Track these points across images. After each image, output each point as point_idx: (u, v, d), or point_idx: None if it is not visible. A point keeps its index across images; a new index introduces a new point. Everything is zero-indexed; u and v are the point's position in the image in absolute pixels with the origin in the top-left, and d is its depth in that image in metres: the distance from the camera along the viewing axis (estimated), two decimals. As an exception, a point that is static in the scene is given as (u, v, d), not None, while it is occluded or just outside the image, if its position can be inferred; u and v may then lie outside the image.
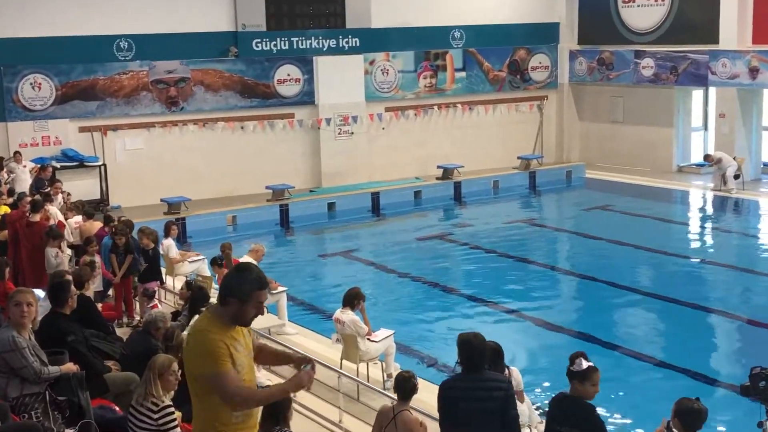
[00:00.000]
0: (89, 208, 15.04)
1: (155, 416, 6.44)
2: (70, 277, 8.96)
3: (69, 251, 13.82)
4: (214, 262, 12.76)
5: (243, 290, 4.58)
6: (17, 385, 6.81)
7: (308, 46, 23.15)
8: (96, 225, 13.94)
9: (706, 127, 25.32)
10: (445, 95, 25.15)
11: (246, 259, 11.81)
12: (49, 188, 16.79)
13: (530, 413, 8.33)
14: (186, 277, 13.73)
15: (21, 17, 20.22)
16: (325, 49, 23.26)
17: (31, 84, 20.47)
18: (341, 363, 10.41)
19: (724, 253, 17.56)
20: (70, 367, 7.15)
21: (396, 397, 7.31)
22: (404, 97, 24.61)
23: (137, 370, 7.46)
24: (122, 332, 10.81)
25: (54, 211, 14.40)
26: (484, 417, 5.91)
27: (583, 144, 26.61)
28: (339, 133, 23.45)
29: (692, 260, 16.74)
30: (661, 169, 24.25)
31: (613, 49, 25.13)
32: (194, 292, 10.11)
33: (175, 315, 10.35)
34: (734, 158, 21.60)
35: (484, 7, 25.28)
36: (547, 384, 10.49)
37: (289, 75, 23.01)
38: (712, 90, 23.93)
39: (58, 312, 7.99)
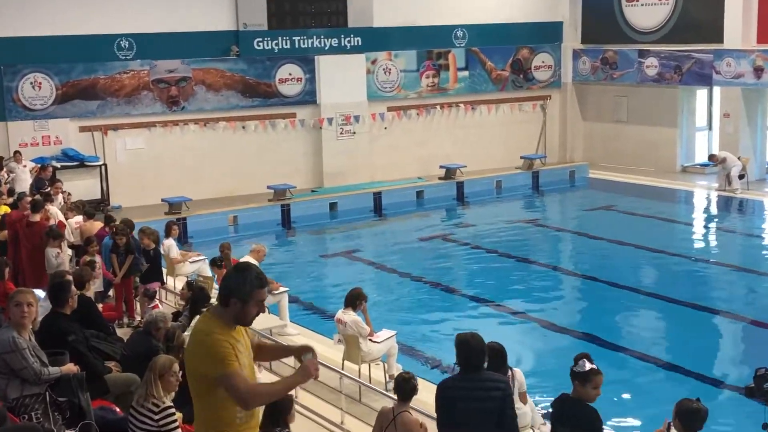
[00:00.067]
0: (90, 208, 15.02)
1: (156, 417, 6.45)
2: (70, 278, 8.92)
3: (69, 251, 13.79)
4: (214, 263, 12.74)
5: (244, 290, 4.58)
6: (17, 386, 6.79)
7: (310, 46, 23.10)
8: (96, 225, 13.93)
9: (710, 126, 25.25)
10: (447, 95, 25.08)
11: (247, 259, 11.74)
12: (49, 188, 16.76)
13: (533, 415, 8.30)
14: (187, 277, 13.71)
15: (21, 17, 20.18)
16: (327, 49, 23.20)
17: (31, 83, 20.42)
18: (343, 364, 10.37)
19: (728, 253, 17.50)
20: (71, 367, 7.13)
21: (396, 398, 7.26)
22: (406, 96, 24.54)
23: (138, 370, 7.45)
24: (123, 333, 10.78)
25: (54, 211, 14.36)
26: (483, 417, 5.88)
27: (586, 144, 26.53)
28: (341, 133, 23.38)
29: (697, 261, 16.65)
30: (665, 169, 24.16)
31: (616, 49, 25.04)
32: (195, 293, 10.13)
33: (176, 315, 10.34)
34: (739, 158, 21.52)
35: (486, 6, 25.22)
36: (550, 385, 10.40)
37: (290, 74, 22.95)
38: (716, 89, 23.89)
39: (59, 312, 7.98)
